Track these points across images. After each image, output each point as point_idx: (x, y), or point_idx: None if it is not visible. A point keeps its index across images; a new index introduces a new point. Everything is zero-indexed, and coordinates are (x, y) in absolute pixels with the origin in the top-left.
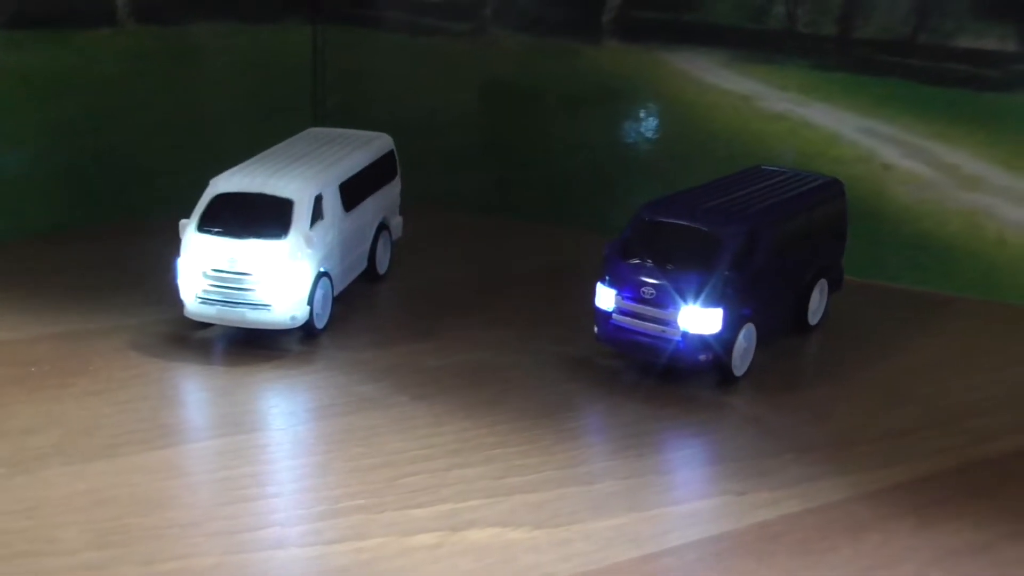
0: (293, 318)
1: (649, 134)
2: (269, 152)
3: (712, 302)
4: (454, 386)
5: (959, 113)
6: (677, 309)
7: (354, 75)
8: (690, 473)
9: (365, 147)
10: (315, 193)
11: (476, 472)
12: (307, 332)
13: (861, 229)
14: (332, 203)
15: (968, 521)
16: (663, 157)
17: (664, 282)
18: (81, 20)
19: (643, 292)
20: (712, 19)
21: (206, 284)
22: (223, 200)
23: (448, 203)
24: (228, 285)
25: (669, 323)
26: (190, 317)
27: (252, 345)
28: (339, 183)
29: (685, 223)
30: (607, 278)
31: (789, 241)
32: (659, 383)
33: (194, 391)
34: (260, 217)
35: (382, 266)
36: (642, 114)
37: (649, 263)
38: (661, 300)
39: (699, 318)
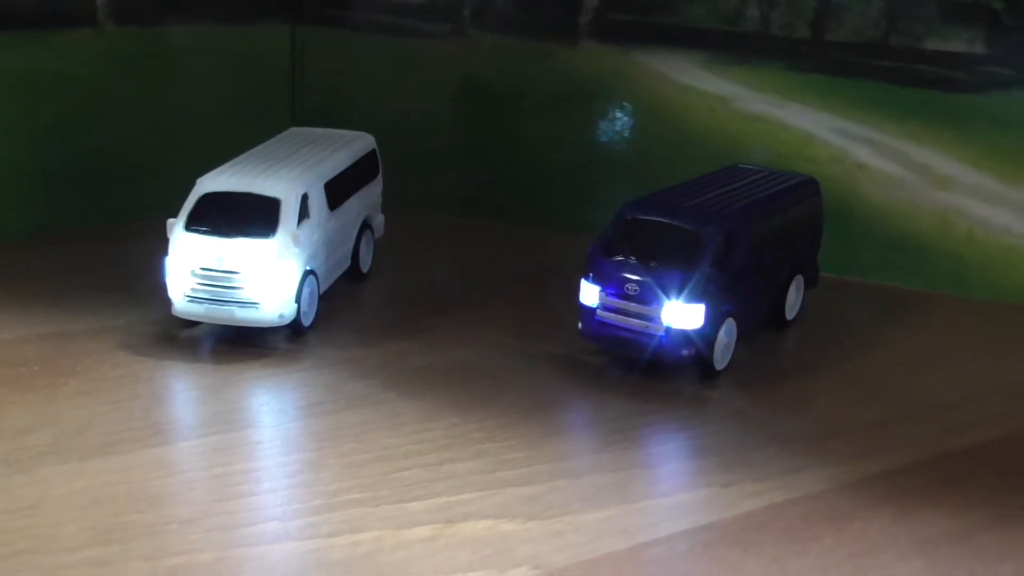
0: (281, 316)
1: (627, 135)
2: (253, 152)
3: (695, 298)
4: (442, 384)
5: (930, 114)
6: (660, 305)
7: (333, 76)
8: (676, 466)
9: (348, 146)
10: (302, 192)
11: (467, 467)
12: (294, 330)
13: (835, 227)
14: (318, 202)
15: (945, 510)
16: (641, 157)
17: (648, 279)
18: (61, 22)
19: (627, 288)
20: (688, 22)
21: (194, 283)
22: (210, 199)
23: (427, 204)
24: (216, 284)
25: (652, 319)
26: (178, 316)
27: (240, 343)
28: (324, 182)
29: (667, 221)
30: (591, 275)
31: (767, 238)
32: (642, 379)
33: (185, 389)
34: (248, 216)
35: (365, 264)
36: (620, 115)
37: (632, 260)
38: (645, 296)
39: (682, 314)
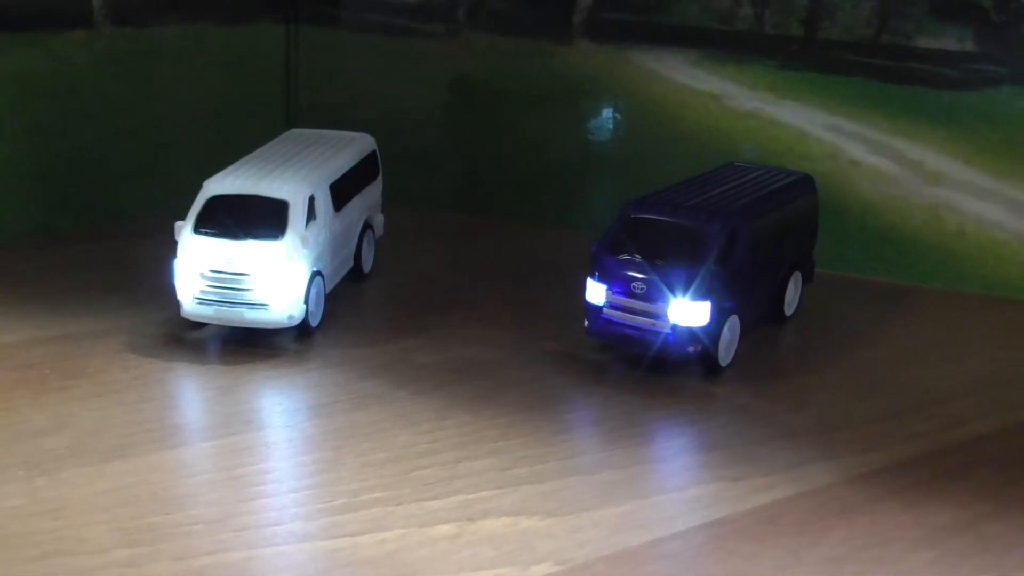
0: (290, 317)
1: (621, 132)
2: (257, 153)
3: (700, 296)
4: (450, 382)
5: (921, 111)
6: (667, 303)
7: (328, 75)
8: (686, 460)
9: (350, 147)
10: (309, 194)
11: (483, 464)
12: (302, 330)
13: (829, 223)
14: (323, 203)
15: (949, 501)
16: (636, 155)
17: (654, 277)
18: (58, 23)
19: (633, 287)
20: (682, 20)
21: (203, 285)
22: (218, 202)
23: (422, 202)
24: (226, 286)
25: (659, 316)
26: (187, 318)
27: (248, 344)
28: (329, 184)
29: (671, 220)
30: (596, 273)
31: (767, 236)
32: (647, 375)
33: (197, 391)
34: (256, 218)
35: (367, 264)
36: (614, 113)
37: (638, 259)
38: (651, 294)
39: (688, 311)
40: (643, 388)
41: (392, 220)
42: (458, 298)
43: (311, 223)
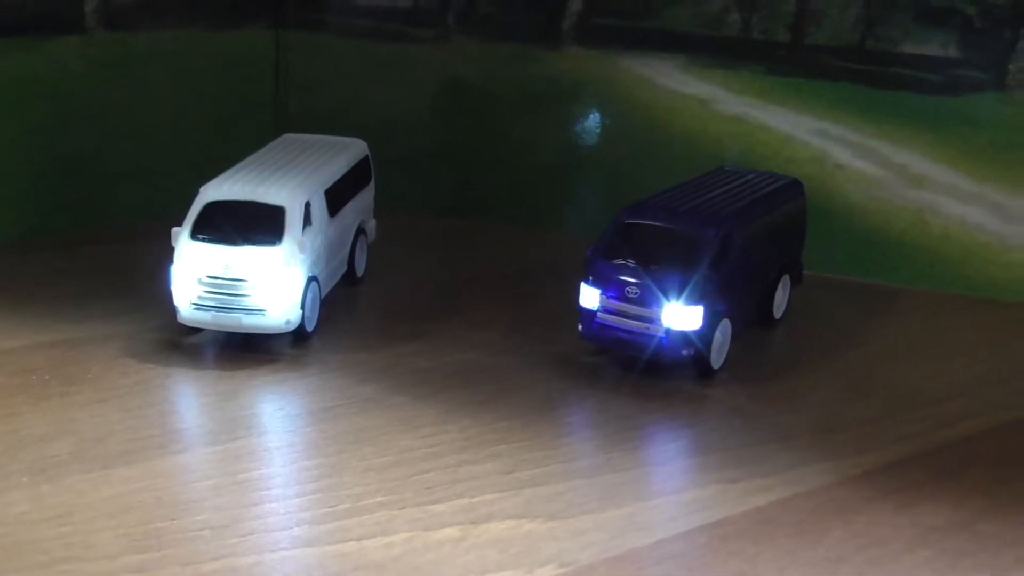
0: (288, 322)
1: (611, 136)
2: (252, 159)
3: (693, 300)
4: (449, 386)
5: (906, 115)
6: (661, 307)
7: (317, 80)
8: (684, 463)
9: (344, 153)
10: (305, 200)
11: (485, 468)
12: (298, 335)
13: (816, 226)
14: (319, 209)
15: (944, 501)
16: (626, 158)
17: (648, 282)
18: (51, 28)
19: (628, 291)
20: (670, 26)
21: (201, 291)
22: (215, 208)
23: (413, 206)
24: (223, 291)
25: (653, 320)
26: (184, 323)
27: (245, 349)
28: (324, 189)
29: (665, 225)
30: (590, 278)
31: (758, 240)
32: (641, 378)
33: (197, 396)
34: (253, 224)
35: (360, 268)
36: (604, 117)
37: (632, 264)
38: (645, 299)
39: (682, 315)
40: (639, 391)
41: (383, 224)
42: (452, 302)
43: (307, 229)
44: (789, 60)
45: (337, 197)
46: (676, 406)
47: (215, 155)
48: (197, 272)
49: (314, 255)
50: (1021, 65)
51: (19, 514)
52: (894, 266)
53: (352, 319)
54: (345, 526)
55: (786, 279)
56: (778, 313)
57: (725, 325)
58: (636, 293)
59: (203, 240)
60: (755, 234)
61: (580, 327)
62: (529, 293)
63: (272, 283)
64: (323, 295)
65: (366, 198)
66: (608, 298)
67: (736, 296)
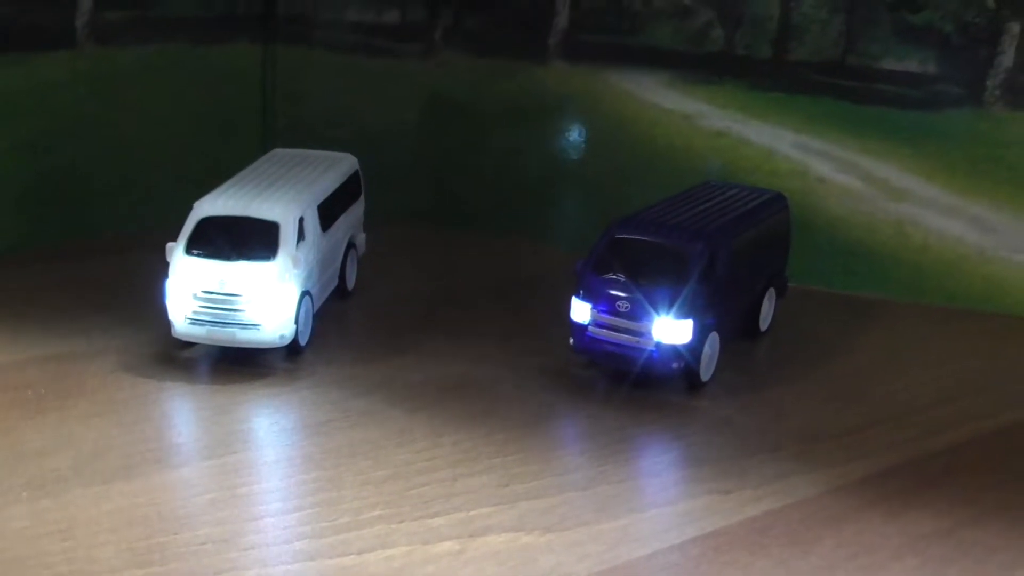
0: (282, 337)
1: (596, 150)
2: (245, 174)
3: (683, 314)
4: (443, 399)
5: (886, 130)
6: (651, 321)
7: (305, 94)
8: (677, 474)
9: (335, 168)
10: (299, 215)
11: (480, 481)
12: (291, 349)
13: (798, 238)
14: (312, 224)
15: (930, 509)
16: (609, 171)
17: (638, 296)
18: (41, 44)
19: (618, 306)
20: (655, 43)
21: (196, 305)
22: (209, 223)
23: (400, 217)
24: (218, 306)
25: (643, 334)
26: (179, 338)
27: (238, 363)
28: (317, 204)
29: (654, 240)
30: (581, 292)
31: (745, 253)
32: (632, 390)
33: (194, 410)
34: (247, 239)
35: (350, 282)
36: (589, 131)
37: (623, 278)
38: (635, 313)
39: (672, 329)
40: (629, 403)
41: (372, 236)
42: (442, 314)
43: (300, 244)
44: (772, 76)
45: (329, 212)
46: (666, 418)
47: (203, 168)
48: (192, 287)
49: (307, 270)
50: (998, 82)
51: (20, 529)
52: (875, 277)
53: (344, 332)
54: (345, 540)
55: (771, 292)
56: (764, 325)
57: (714, 338)
58: (627, 307)
59: (198, 255)
60: (742, 248)
61: (571, 340)
62: (518, 304)
63: (266, 298)
64: (316, 309)
65: (356, 212)
66: (599, 312)
67: (724, 309)
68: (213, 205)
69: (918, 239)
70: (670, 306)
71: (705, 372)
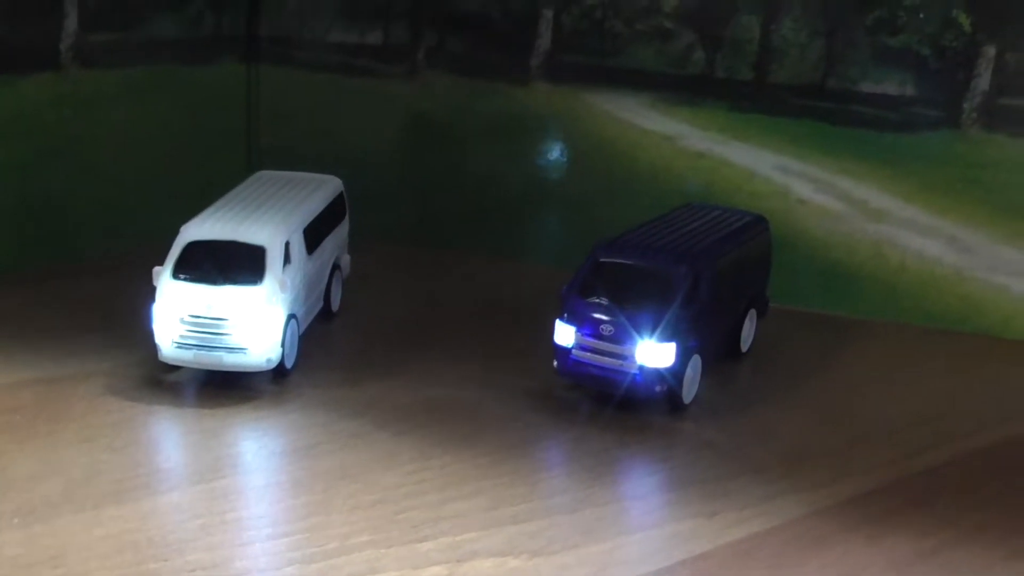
0: (269, 360)
1: (578, 170)
2: (230, 197)
3: (666, 337)
4: (430, 421)
5: (865, 152)
6: (634, 345)
7: (289, 114)
8: (662, 497)
9: (320, 191)
10: (285, 239)
11: (468, 505)
12: (278, 372)
13: (778, 258)
14: (298, 247)
15: (914, 530)
16: (591, 191)
17: (622, 319)
18: (26, 66)
19: (602, 329)
20: (636, 64)
21: (183, 329)
22: (196, 247)
23: (384, 237)
24: (205, 330)
25: (627, 358)
26: (166, 361)
27: (226, 387)
28: (303, 228)
29: (638, 263)
30: (565, 315)
31: (727, 276)
32: (616, 412)
33: (182, 434)
34: (234, 264)
35: (335, 303)
36: (571, 151)
37: (606, 301)
38: (619, 336)
39: (655, 353)
40: (614, 425)
41: (355, 256)
42: (427, 335)
43: (287, 267)
44: (752, 98)
45: (315, 235)
46: (651, 440)
47: (187, 189)
48: (179, 311)
49: (293, 293)
50: (974, 104)
51: (13, 556)
52: (854, 297)
53: (330, 354)
54: (335, 565)
55: (753, 312)
56: (745, 346)
57: (696, 360)
58: (610, 331)
59: (185, 279)
60: (724, 270)
61: (556, 363)
62: (501, 324)
63: (253, 322)
64: (301, 331)
65: (341, 234)
66: (583, 335)
67: (706, 331)
68: (200, 229)
69: (895, 259)
70: (653, 329)
71: (687, 394)
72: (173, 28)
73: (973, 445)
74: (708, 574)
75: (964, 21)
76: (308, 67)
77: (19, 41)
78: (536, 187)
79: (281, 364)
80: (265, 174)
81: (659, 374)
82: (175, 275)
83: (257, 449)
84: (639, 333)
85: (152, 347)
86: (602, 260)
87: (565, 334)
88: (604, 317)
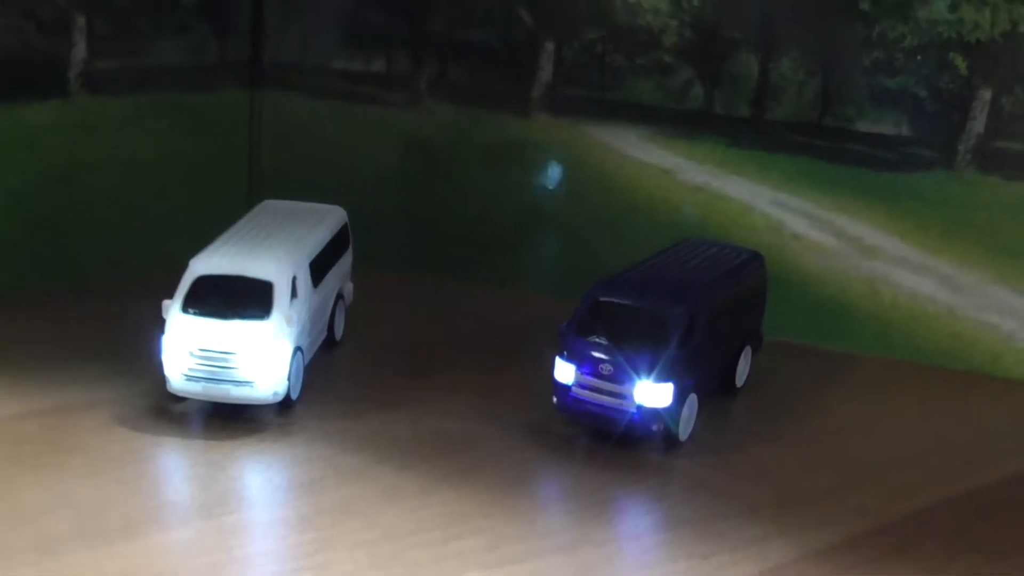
0: (275, 394)
1: (577, 200)
2: (238, 229)
3: (663, 378)
4: (430, 455)
5: (860, 189)
6: (633, 385)
7: (290, 140)
8: (658, 537)
9: (325, 222)
10: (292, 275)
11: (469, 544)
12: (283, 403)
13: (773, 292)
14: (304, 281)
15: (905, 574)
16: (590, 221)
17: (620, 360)
18: (34, 94)
19: (601, 368)
20: (636, 98)
21: (192, 362)
22: (204, 282)
23: (384, 264)
24: (213, 363)
25: (625, 397)
26: (175, 393)
27: (231, 418)
28: (309, 261)
29: (635, 304)
30: (565, 354)
31: (724, 315)
32: (613, 449)
33: (190, 467)
34: (242, 299)
35: (338, 332)
36: (570, 182)
37: (605, 342)
38: (618, 376)
39: (652, 393)
40: (611, 463)
41: (357, 283)
42: (427, 365)
43: (293, 301)
44: (750, 134)
45: (320, 267)
46: (647, 479)
47: (190, 214)
48: (188, 345)
49: (299, 326)
50: (969, 146)
51: None
52: (846, 333)
53: (332, 384)
54: None
55: (748, 349)
56: (740, 381)
57: (692, 399)
58: (609, 370)
59: (194, 314)
60: (721, 310)
61: (555, 399)
62: (500, 354)
63: (261, 357)
64: (306, 362)
65: (345, 264)
66: (583, 374)
67: (703, 370)
68: (208, 263)
69: (889, 296)
70: (651, 370)
71: (683, 432)
72: (177, 55)
73: (961, 488)
74: None
75: (961, 65)
76: (311, 94)
77: (28, 70)
78: (536, 216)
79: (287, 395)
80: (271, 204)
81: (656, 413)
82: (184, 309)
83: (263, 483)
84: (637, 373)
85: (158, 376)
86: (601, 299)
87: (565, 372)
88: (603, 356)
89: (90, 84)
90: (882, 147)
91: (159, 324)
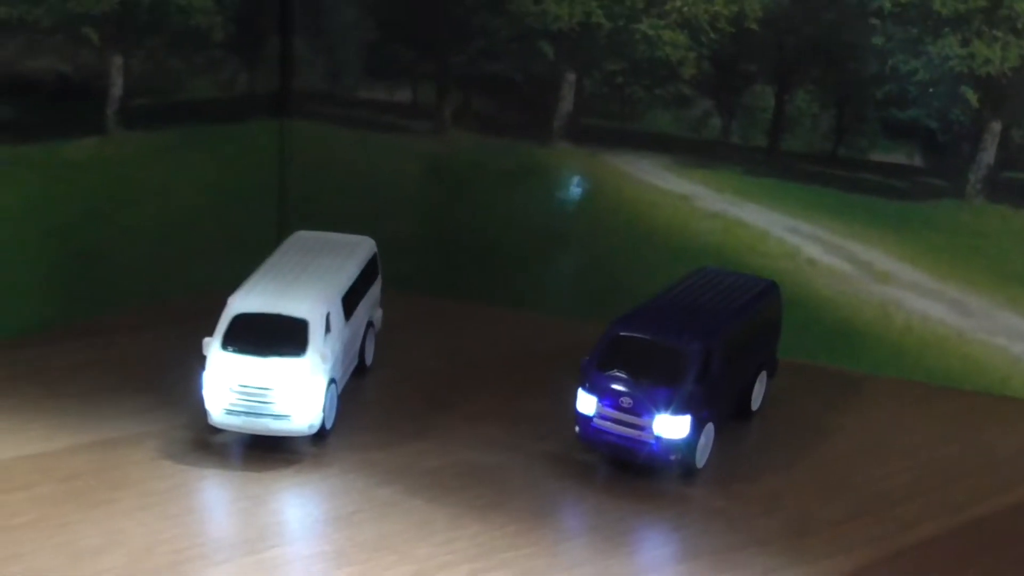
0: (311, 426)
1: (597, 227)
2: (272, 264)
3: (681, 411)
4: (458, 487)
5: (873, 217)
6: (652, 417)
7: (319, 168)
8: (676, 568)
9: (355, 255)
10: (326, 312)
11: None
12: (318, 434)
13: (787, 316)
14: (336, 317)
15: None
16: (611, 248)
17: (639, 393)
18: (73, 131)
19: (622, 401)
20: (655, 128)
21: (233, 398)
22: (242, 320)
23: (410, 289)
24: (252, 398)
25: (645, 428)
26: (216, 426)
27: (269, 449)
28: (341, 296)
29: (654, 339)
30: (587, 386)
31: (740, 346)
32: (631, 478)
33: (232, 500)
34: (279, 336)
35: (368, 359)
36: (591, 209)
37: (625, 375)
38: (637, 409)
39: (671, 425)
40: (630, 493)
41: (385, 308)
42: (455, 394)
43: (327, 336)
44: (765, 163)
45: (352, 300)
46: (664, 508)
47: (224, 242)
48: (228, 381)
49: (333, 359)
50: (979, 176)
51: None
52: (859, 355)
53: (363, 413)
54: None
55: (763, 375)
56: (755, 405)
57: (709, 428)
58: (629, 403)
59: (233, 351)
60: (737, 342)
61: (577, 429)
62: (522, 382)
63: (297, 392)
64: (340, 391)
65: (375, 293)
66: (603, 406)
67: (719, 399)
68: (245, 302)
69: (901, 320)
70: (669, 404)
71: (700, 459)
72: (209, 88)
73: (968, 517)
74: None
75: (972, 98)
76: (338, 123)
77: (68, 110)
78: (557, 242)
79: (322, 427)
80: (303, 235)
81: (674, 444)
82: (224, 346)
83: (302, 517)
84: (656, 407)
85: (199, 409)
86: (620, 334)
87: (587, 403)
88: (623, 389)
89: (126, 121)
90: (895, 176)
91: (198, 355)
